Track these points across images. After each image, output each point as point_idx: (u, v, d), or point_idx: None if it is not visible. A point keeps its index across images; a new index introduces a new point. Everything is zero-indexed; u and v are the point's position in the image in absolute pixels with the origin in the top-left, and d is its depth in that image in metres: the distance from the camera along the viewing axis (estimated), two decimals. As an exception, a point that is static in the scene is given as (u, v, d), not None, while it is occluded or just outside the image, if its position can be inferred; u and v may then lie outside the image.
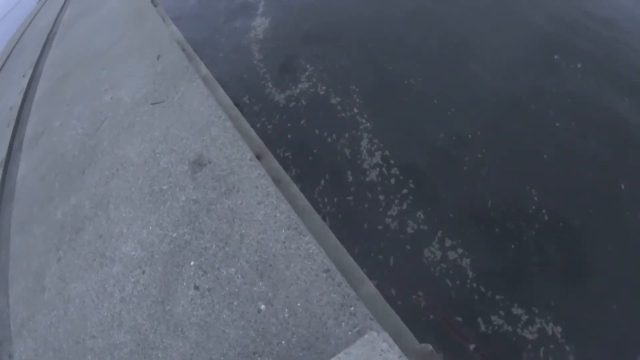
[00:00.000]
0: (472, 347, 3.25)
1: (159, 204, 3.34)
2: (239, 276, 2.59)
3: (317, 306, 2.27)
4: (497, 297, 3.45)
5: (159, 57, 5.01)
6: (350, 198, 4.14)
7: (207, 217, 3.01)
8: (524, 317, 3.34)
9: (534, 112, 4.49)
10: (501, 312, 3.37)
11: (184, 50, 5.09)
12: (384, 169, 4.23)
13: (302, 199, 3.14)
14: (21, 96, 6.78)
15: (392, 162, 4.26)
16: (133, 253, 3.16)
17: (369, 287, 2.61)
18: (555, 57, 5.03)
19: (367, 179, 4.21)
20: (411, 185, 4.09)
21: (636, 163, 4.04)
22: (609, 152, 4.13)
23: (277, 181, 3.21)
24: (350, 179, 4.27)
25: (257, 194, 2.91)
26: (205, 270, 2.74)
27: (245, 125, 3.85)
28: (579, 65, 4.89)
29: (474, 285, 3.52)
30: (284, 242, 2.59)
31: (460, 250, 3.68)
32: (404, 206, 3.99)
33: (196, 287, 2.70)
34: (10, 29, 12.62)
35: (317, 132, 4.65)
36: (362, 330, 2.12)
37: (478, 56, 5.17)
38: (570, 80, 4.74)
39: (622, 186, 3.90)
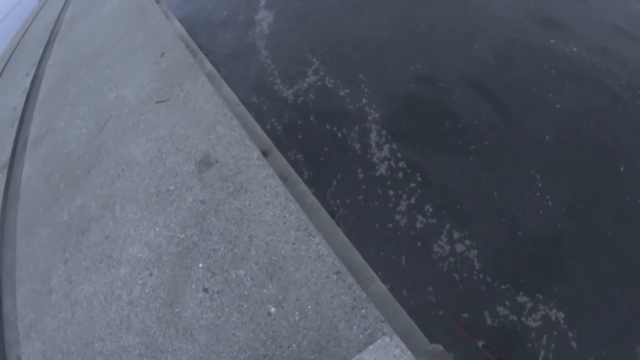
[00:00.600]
0: (480, 344, 3.23)
1: (165, 205, 3.31)
2: (249, 278, 2.56)
3: (327, 309, 2.24)
4: (505, 288, 3.44)
5: (162, 54, 4.97)
6: (360, 196, 4.12)
7: (215, 218, 2.97)
8: (530, 307, 3.33)
9: (547, 102, 4.46)
10: (507, 303, 3.36)
11: (187, 46, 5.05)
12: (392, 162, 4.20)
13: (310, 197, 3.11)
14: (24, 96, 6.76)
15: (399, 155, 4.24)
16: (140, 255, 3.13)
17: (379, 285, 2.58)
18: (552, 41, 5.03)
19: (377, 173, 4.19)
20: (419, 179, 4.06)
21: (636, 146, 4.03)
22: (613, 139, 4.11)
23: (284, 178, 3.18)
24: (360, 172, 4.25)
25: (266, 194, 2.87)
26: (214, 272, 2.71)
27: (251, 121, 3.81)
28: (575, 50, 4.87)
29: (481, 276, 3.50)
30: (294, 244, 2.55)
31: (467, 242, 3.66)
32: (412, 200, 3.96)
33: (205, 290, 2.67)
34: (12, 27, 12.61)
35: (327, 126, 4.63)
36: (373, 332, 2.09)
37: (486, 41, 5.14)
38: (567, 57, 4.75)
39: (622, 169, 3.88)
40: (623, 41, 5.06)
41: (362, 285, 2.39)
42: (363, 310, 2.17)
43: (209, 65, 4.66)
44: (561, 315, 3.26)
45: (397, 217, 3.90)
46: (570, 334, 3.19)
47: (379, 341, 1.98)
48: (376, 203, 4.00)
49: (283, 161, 3.39)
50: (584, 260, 3.54)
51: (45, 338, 3.24)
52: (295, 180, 3.24)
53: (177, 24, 5.89)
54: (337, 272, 2.35)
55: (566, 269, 3.51)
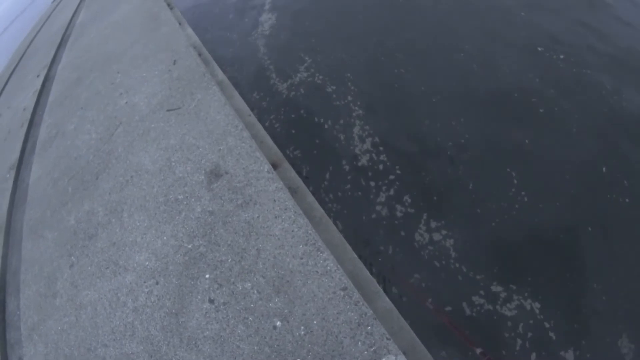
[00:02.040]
0: (478, 351, 3.22)
1: (174, 214, 3.33)
2: (255, 291, 2.57)
3: (333, 324, 2.25)
4: (480, 277, 3.50)
5: (174, 62, 5.02)
6: (347, 186, 4.22)
7: (223, 229, 2.99)
8: (505, 297, 3.39)
9: (516, 100, 4.71)
10: (482, 292, 3.42)
11: (200, 54, 5.09)
12: (374, 154, 4.31)
13: (319, 210, 3.13)
14: (35, 97, 6.81)
15: (381, 148, 4.36)
16: (147, 263, 3.15)
17: (385, 301, 2.59)
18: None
19: (359, 164, 4.31)
20: (398, 171, 4.16)
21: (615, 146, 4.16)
22: (587, 135, 4.25)
23: (293, 191, 3.20)
24: (343, 163, 4.37)
25: (275, 208, 2.89)
26: (221, 283, 2.72)
27: (262, 132, 3.84)
28: (562, 57, 5.00)
29: (457, 265, 3.56)
30: (302, 258, 2.56)
31: (444, 232, 3.73)
32: (391, 191, 4.06)
33: (211, 301, 2.68)
34: (24, 28, 12.71)
35: (315, 120, 4.78)
36: (378, 350, 2.10)
37: (466, 48, 5.35)
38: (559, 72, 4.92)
39: (604, 169, 3.99)
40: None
41: (368, 300, 2.41)
42: (369, 327, 2.18)
43: (220, 74, 4.69)
44: (537, 305, 3.31)
45: (378, 207, 3.99)
46: (547, 325, 3.23)
47: (383, 359, 2.00)
48: (359, 193, 4.10)
49: (293, 173, 3.41)
50: (560, 249, 3.61)
51: (48, 341, 3.24)
52: (304, 192, 3.25)
53: (190, 31, 5.94)
54: (344, 288, 2.36)
55: (544, 259, 3.57)
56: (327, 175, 4.29)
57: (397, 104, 4.83)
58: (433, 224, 3.79)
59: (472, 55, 5.23)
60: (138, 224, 3.47)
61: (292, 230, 2.72)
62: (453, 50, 5.35)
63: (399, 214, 3.92)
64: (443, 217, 3.82)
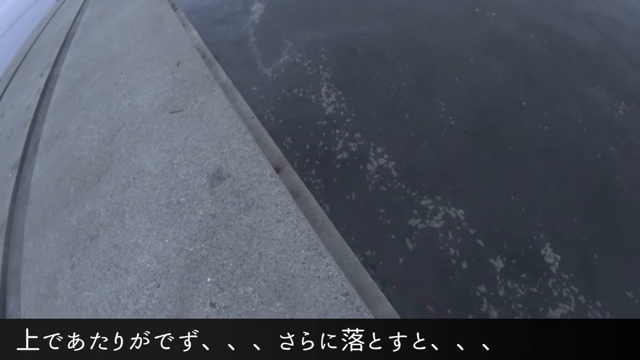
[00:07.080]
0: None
1: (176, 217, 3.32)
2: (257, 295, 2.56)
3: (335, 330, 2.24)
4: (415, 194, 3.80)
5: (178, 63, 5.02)
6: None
7: (225, 233, 2.98)
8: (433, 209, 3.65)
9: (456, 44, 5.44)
10: (416, 212, 3.67)
11: (203, 56, 5.10)
12: (336, 104, 4.83)
13: (321, 214, 3.13)
14: (38, 96, 6.80)
15: (343, 99, 4.89)
16: (148, 265, 3.14)
17: (386, 306, 2.59)
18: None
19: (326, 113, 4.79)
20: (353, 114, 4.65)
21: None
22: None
23: (295, 194, 3.19)
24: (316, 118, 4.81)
25: (277, 212, 2.88)
26: (222, 287, 2.71)
27: (265, 135, 3.84)
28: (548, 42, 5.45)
29: (399, 184, 3.90)
30: (304, 263, 2.56)
31: (386, 156, 4.13)
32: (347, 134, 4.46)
33: (212, 304, 2.67)
34: (28, 26, 12.72)
35: (294, 91, 5.26)
36: (380, 356, 2.08)
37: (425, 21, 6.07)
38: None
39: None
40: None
41: (370, 305, 2.40)
42: (370, 334, 2.17)
43: (224, 77, 4.69)
44: (461, 212, 3.58)
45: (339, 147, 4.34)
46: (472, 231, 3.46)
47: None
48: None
49: (295, 177, 3.41)
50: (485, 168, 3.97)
51: (49, 342, 3.23)
52: (307, 196, 3.25)
53: (194, 32, 5.95)
54: (346, 294, 2.35)
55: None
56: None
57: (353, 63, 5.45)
58: (379, 150, 4.21)
59: (431, 25, 5.94)
60: (140, 226, 3.47)
61: (294, 235, 2.71)
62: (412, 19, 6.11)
63: (353, 149, 4.30)
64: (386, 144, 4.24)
